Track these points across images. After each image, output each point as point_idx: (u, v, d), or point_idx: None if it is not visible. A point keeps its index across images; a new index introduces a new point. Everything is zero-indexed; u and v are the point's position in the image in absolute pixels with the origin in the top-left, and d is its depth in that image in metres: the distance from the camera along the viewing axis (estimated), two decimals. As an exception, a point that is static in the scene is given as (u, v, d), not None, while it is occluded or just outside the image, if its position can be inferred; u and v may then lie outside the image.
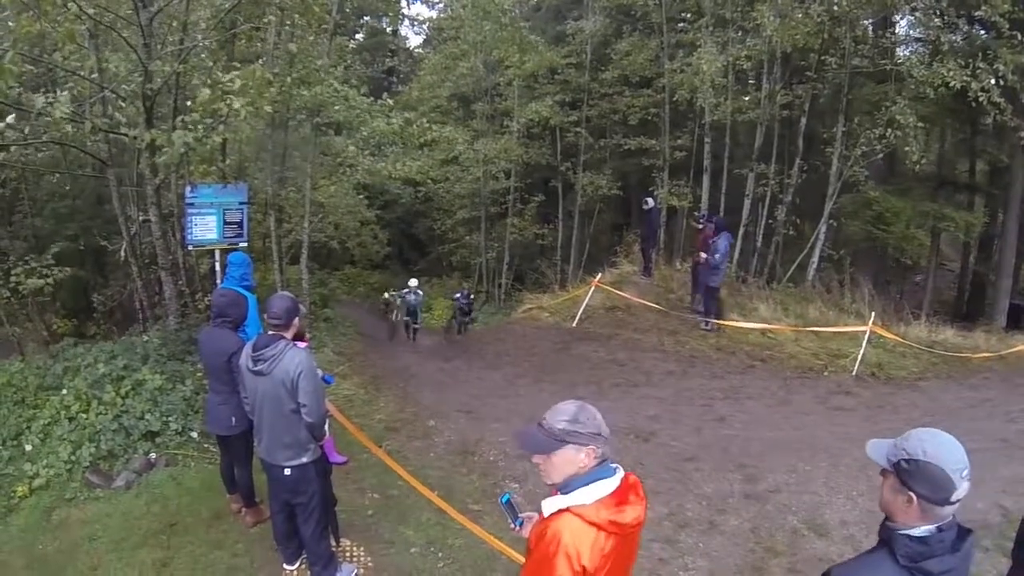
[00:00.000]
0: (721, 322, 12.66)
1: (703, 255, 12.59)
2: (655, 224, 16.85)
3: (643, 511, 2.46)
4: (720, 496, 6.55)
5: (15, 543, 5.67)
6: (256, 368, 4.37)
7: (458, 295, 18.97)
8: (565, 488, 2.45)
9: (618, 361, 11.77)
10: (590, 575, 2.35)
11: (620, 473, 2.49)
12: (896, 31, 16.93)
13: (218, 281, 8.94)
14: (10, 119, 6.08)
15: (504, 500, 2.94)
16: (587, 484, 2.41)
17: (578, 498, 2.39)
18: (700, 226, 14.14)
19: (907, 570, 2.02)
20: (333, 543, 5.16)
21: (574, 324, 13.73)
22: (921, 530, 2.03)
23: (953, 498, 1.98)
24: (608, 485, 2.41)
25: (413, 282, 18.20)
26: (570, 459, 2.44)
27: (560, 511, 2.41)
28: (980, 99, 13.74)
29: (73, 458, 6.62)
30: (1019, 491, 6.46)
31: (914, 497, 2.02)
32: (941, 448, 2.02)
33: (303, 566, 5.06)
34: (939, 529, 2.02)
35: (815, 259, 17.14)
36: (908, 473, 2.04)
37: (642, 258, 16.41)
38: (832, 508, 6.25)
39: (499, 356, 12.65)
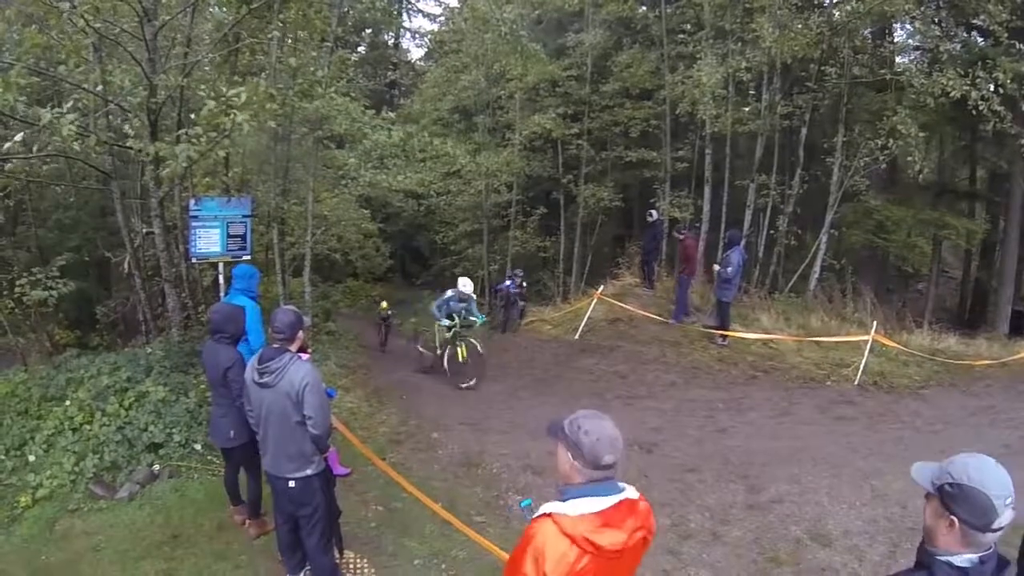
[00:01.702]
0: (724, 332, 12.65)
1: (716, 267, 12.68)
2: (659, 237, 16.90)
3: (631, 539, 2.43)
4: (723, 507, 6.55)
5: (18, 553, 5.69)
6: (262, 381, 4.40)
7: (508, 282, 16.83)
8: (563, 494, 2.47)
9: (620, 373, 11.78)
10: None
11: (624, 496, 2.48)
12: (895, 40, 16.97)
13: (221, 294, 8.97)
14: (18, 137, 6.12)
15: (525, 504, 2.99)
16: (580, 496, 2.42)
17: (565, 507, 2.41)
18: (681, 237, 14.21)
19: None
20: (337, 555, 5.17)
21: (576, 336, 13.75)
22: (963, 559, 2.02)
23: (995, 525, 1.97)
24: (599, 503, 2.41)
25: (467, 285, 11.92)
26: (561, 457, 2.51)
27: (544, 514, 2.44)
28: (980, 107, 13.76)
29: (77, 469, 6.65)
30: (1022, 499, 6.46)
31: (956, 521, 2.01)
32: (985, 473, 2.02)
33: (307, 578, 5.07)
34: (981, 560, 2.00)
35: (817, 269, 17.13)
36: (951, 497, 2.03)
37: (642, 270, 16.44)
38: (835, 518, 6.24)
39: (501, 368, 12.64)
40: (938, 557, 2.06)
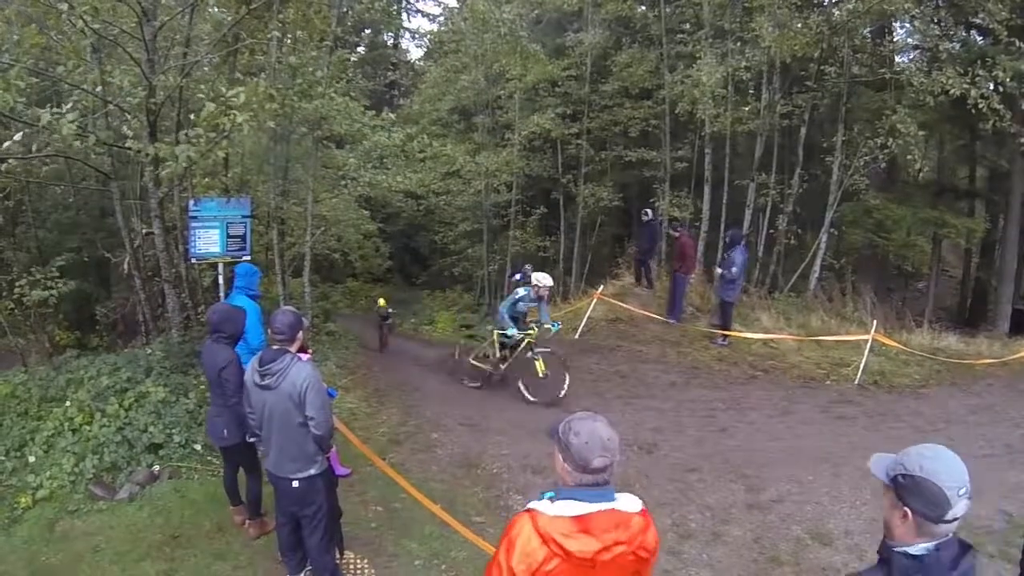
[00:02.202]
0: (725, 332, 12.64)
1: (719, 269, 12.63)
2: (656, 236, 16.88)
3: (608, 551, 2.35)
4: (723, 506, 6.55)
5: (18, 554, 5.68)
6: (263, 383, 4.40)
7: (518, 275, 15.49)
8: (557, 493, 2.44)
9: (620, 373, 11.76)
10: None
11: (613, 505, 2.41)
12: (894, 39, 16.96)
13: (221, 294, 8.98)
14: (18, 137, 6.12)
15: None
16: (566, 498, 2.39)
17: (547, 506, 2.39)
18: (677, 235, 14.19)
19: None
20: (337, 556, 5.17)
21: (576, 336, 13.72)
22: (918, 548, 2.02)
23: (948, 516, 1.96)
24: (581, 508, 2.36)
25: (545, 279, 10.35)
26: (556, 457, 2.48)
27: (528, 508, 2.43)
28: (979, 106, 13.75)
29: (76, 470, 6.64)
30: (1021, 497, 6.47)
31: (909, 513, 2.02)
32: (939, 464, 2.01)
33: (307, 578, 5.07)
34: (936, 547, 2.00)
35: (817, 268, 17.13)
36: (905, 488, 2.03)
37: (638, 270, 16.43)
38: (835, 517, 6.25)
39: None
40: (895, 549, 2.07)
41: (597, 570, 2.36)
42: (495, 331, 10.77)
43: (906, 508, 2.02)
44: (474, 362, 11.16)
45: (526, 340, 10.24)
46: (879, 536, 2.19)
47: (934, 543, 2.00)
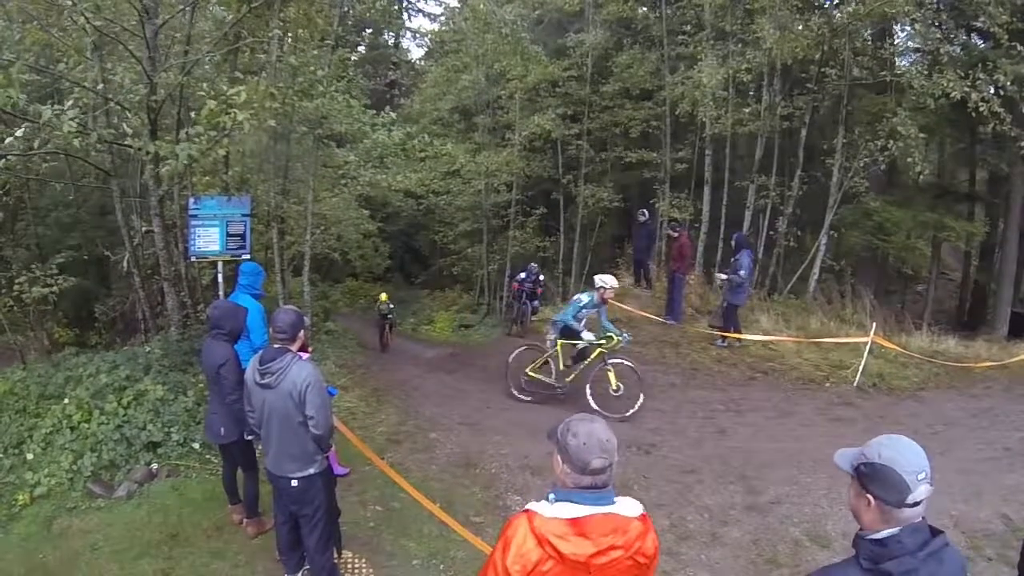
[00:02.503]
0: (728, 335, 12.61)
1: (721, 276, 12.63)
2: (653, 237, 16.89)
3: (603, 555, 2.32)
4: (722, 508, 6.55)
5: (16, 551, 5.67)
6: (264, 381, 4.40)
7: (522, 274, 16.03)
8: (556, 495, 2.42)
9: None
10: None
11: (611, 509, 2.39)
12: (895, 42, 16.96)
13: (220, 292, 8.98)
14: (19, 132, 6.12)
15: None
16: (564, 500, 2.37)
17: (545, 507, 2.37)
18: (675, 235, 14.17)
19: (869, 572, 2.09)
20: (335, 555, 5.16)
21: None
22: (882, 533, 2.08)
23: (909, 500, 2.03)
24: (578, 510, 2.34)
25: (612, 281, 9.99)
26: (555, 458, 2.46)
27: (525, 508, 2.42)
28: (980, 109, 13.78)
29: (75, 467, 6.64)
30: (1022, 500, 6.46)
31: (872, 499, 2.10)
32: (897, 452, 2.09)
33: (305, 576, 5.07)
34: (900, 531, 2.06)
35: (816, 270, 17.13)
36: (866, 476, 2.12)
37: (635, 271, 16.44)
38: (834, 519, 6.25)
39: (500, 369, 12.64)
40: (862, 537, 2.15)
41: (592, 574, 2.34)
42: (559, 340, 9.99)
43: (868, 495, 2.10)
44: (532, 374, 10.24)
45: (598, 350, 9.65)
46: None
47: (898, 528, 2.06)
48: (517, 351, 10.76)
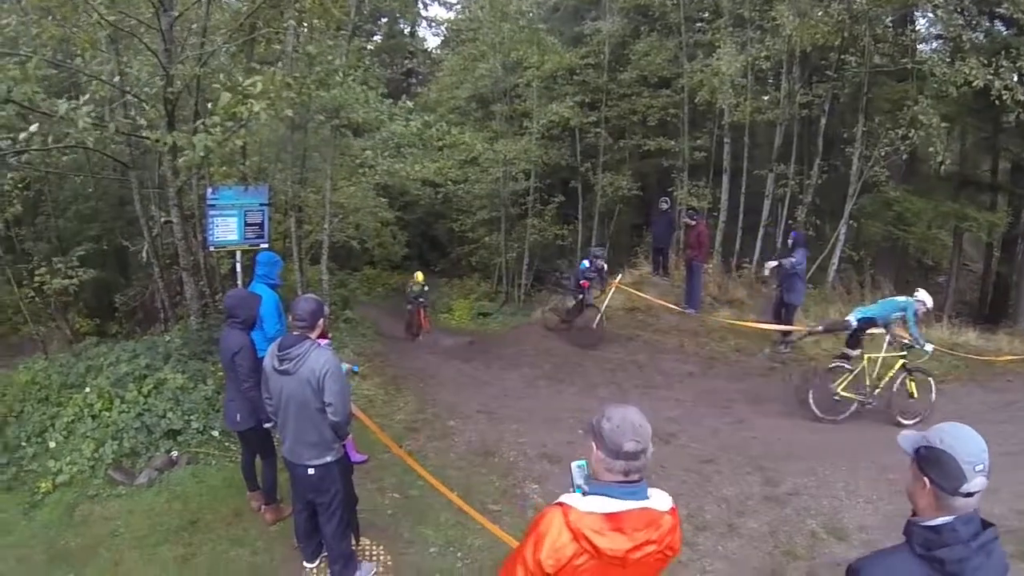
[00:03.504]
0: (791, 330, 12.38)
1: (771, 264, 11.92)
2: (674, 225, 16.82)
3: (638, 550, 2.32)
4: (739, 498, 6.53)
5: (38, 538, 5.77)
6: (282, 368, 4.42)
7: (585, 261, 13.88)
8: (589, 488, 2.41)
9: (638, 363, 11.76)
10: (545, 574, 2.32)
11: (646, 504, 2.38)
12: (917, 29, 16.72)
13: (239, 282, 9.02)
14: (33, 128, 6.16)
15: (580, 465, 2.73)
16: (599, 493, 2.36)
17: (580, 500, 2.35)
18: (693, 223, 14.05)
19: (922, 559, 2.08)
20: (353, 542, 5.20)
21: (594, 325, 13.70)
22: (936, 520, 2.08)
23: (963, 489, 2.03)
24: (614, 504, 2.32)
25: (927, 297, 9.41)
26: (593, 451, 2.43)
27: (559, 502, 2.39)
28: (1003, 97, 13.57)
29: (96, 455, 6.73)
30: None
31: (927, 483, 2.10)
32: (958, 439, 2.09)
33: (323, 564, 5.10)
34: (955, 520, 2.05)
35: (835, 260, 16.98)
36: (925, 460, 2.13)
37: (654, 259, 16.38)
38: (851, 512, 6.22)
39: (518, 357, 12.65)
40: (913, 523, 2.16)
41: (627, 569, 2.34)
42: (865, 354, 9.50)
43: (925, 478, 2.11)
44: (845, 393, 9.39)
45: (900, 361, 9.37)
46: (895, 532, 2.23)
47: (952, 517, 2.06)
48: (818, 370, 10.10)
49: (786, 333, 12.26)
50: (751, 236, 18.31)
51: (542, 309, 16.22)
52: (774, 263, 11.85)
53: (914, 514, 2.19)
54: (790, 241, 12.19)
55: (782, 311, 12.14)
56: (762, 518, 6.16)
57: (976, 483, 2.03)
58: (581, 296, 13.69)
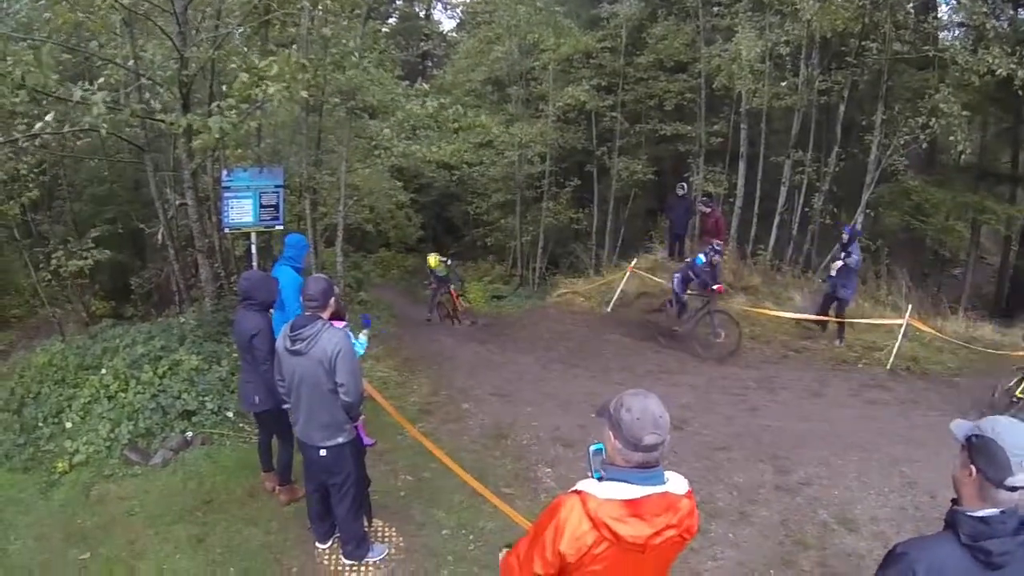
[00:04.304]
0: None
1: (837, 264, 11.54)
2: (691, 211, 16.74)
3: (659, 535, 2.30)
4: (751, 487, 6.51)
5: (55, 517, 5.83)
6: (294, 348, 4.44)
7: (701, 255, 11.73)
8: (606, 473, 2.39)
9: (652, 347, 11.71)
10: (568, 564, 2.31)
11: (664, 489, 2.36)
12: (939, 16, 16.50)
13: (254, 263, 9.06)
14: (48, 117, 6.19)
15: (596, 448, 2.58)
16: (616, 480, 2.33)
17: (598, 487, 2.33)
18: (707, 210, 13.93)
19: (968, 549, 2.07)
20: (365, 523, 5.23)
21: (608, 309, 13.67)
22: (984, 511, 2.08)
23: (1009, 482, 2.03)
24: (633, 491, 2.30)
25: None
26: (607, 436, 2.40)
27: (576, 490, 2.37)
28: (1026, 87, 13.39)
29: (112, 436, 6.79)
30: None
31: (974, 471, 2.11)
32: (1009, 431, 2.09)
33: (335, 545, 5.14)
34: (1003, 512, 2.06)
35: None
36: (975, 448, 2.13)
37: (670, 244, 16.32)
38: (863, 503, 6.19)
39: (533, 340, 12.64)
40: (960, 512, 2.15)
41: (647, 554, 2.32)
42: None
43: (972, 466, 2.12)
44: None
45: None
46: (906, 525, 2.25)
47: (998, 510, 2.07)
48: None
49: (841, 328, 11.94)
50: (767, 223, 18.17)
51: (645, 308, 13.38)
52: (839, 263, 11.62)
53: (955, 503, 2.20)
54: (844, 236, 11.89)
55: (832, 305, 12.02)
56: (774, 507, 6.14)
57: (1022, 478, 2.03)
58: (708, 301, 11.67)
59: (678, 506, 2.37)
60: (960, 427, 2.25)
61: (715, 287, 11.42)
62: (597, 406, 2.53)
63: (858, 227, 13.60)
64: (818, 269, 16.30)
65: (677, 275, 12.12)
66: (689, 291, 11.98)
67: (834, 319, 12.00)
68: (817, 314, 12.34)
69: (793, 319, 12.52)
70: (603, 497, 2.29)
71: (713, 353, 11.41)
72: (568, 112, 21.94)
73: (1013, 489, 2.04)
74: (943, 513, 2.22)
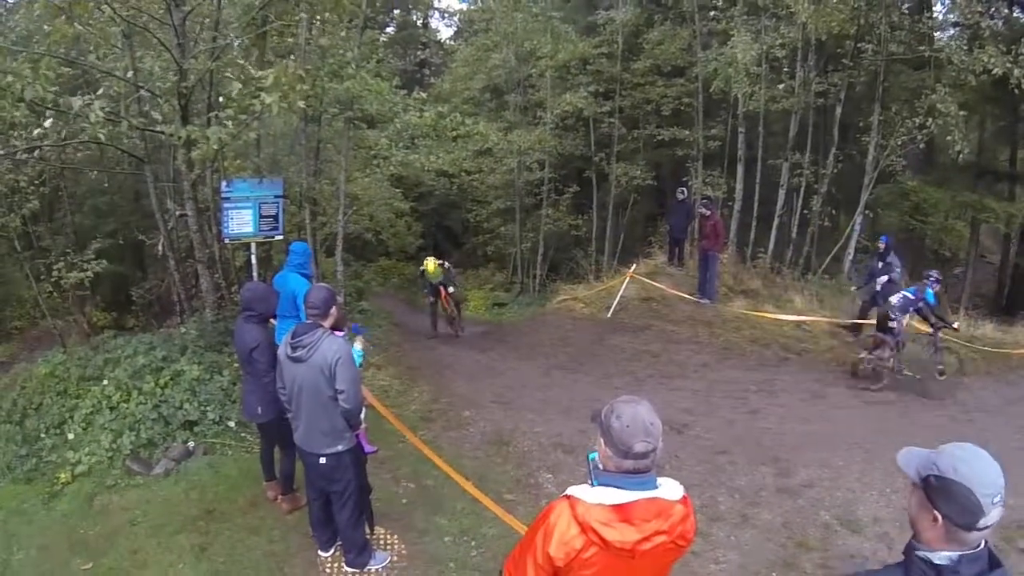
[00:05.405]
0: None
1: (895, 300, 10.39)
2: (691, 215, 16.76)
3: (648, 541, 2.27)
4: (753, 489, 6.52)
5: (58, 527, 5.84)
6: (295, 355, 4.45)
7: (911, 291, 10.41)
8: (596, 478, 2.37)
9: (652, 352, 11.72)
10: (558, 568, 2.30)
11: (655, 494, 2.33)
12: (934, 16, 16.54)
13: (254, 274, 9.08)
14: (47, 123, 6.22)
15: (592, 457, 2.59)
16: (606, 484, 2.32)
17: (587, 492, 2.32)
18: (707, 213, 13.96)
19: None
20: (367, 531, 5.23)
21: (609, 315, 13.66)
22: (941, 556, 1.91)
23: (980, 524, 1.85)
24: (622, 496, 2.28)
25: None
26: (598, 442, 2.40)
27: (566, 494, 2.36)
28: (1022, 85, 13.41)
29: (114, 446, 6.80)
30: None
31: (939, 517, 1.89)
32: (974, 468, 1.88)
33: (338, 553, 5.14)
34: (959, 558, 1.89)
35: (851, 250, 16.90)
36: (936, 491, 1.91)
37: (670, 249, 16.33)
38: (865, 504, 6.19)
39: (534, 347, 12.63)
40: (917, 553, 1.97)
41: (636, 560, 2.30)
42: None
43: (936, 512, 1.90)
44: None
45: None
46: (908, 525, 2.11)
47: (958, 554, 1.90)
48: None
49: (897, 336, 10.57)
50: (766, 226, 18.20)
51: (862, 358, 10.78)
52: (885, 278, 11.48)
53: (917, 540, 2.01)
54: (881, 246, 11.89)
55: (871, 312, 11.91)
56: (775, 509, 6.14)
57: (993, 515, 1.84)
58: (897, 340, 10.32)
59: (670, 512, 2.34)
60: (910, 460, 2.05)
61: (955, 325, 10.59)
62: (593, 412, 2.52)
63: (892, 238, 13.02)
64: (842, 274, 16.30)
65: (897, 312, 10.33)
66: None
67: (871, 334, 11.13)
68: (855, 326, 12.30)
69: (793, 322, 12.52)
70: (592, 502, 2.28)
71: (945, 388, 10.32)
72: (566, 119, 22.02)
73: (984, 528, 1.86)
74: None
